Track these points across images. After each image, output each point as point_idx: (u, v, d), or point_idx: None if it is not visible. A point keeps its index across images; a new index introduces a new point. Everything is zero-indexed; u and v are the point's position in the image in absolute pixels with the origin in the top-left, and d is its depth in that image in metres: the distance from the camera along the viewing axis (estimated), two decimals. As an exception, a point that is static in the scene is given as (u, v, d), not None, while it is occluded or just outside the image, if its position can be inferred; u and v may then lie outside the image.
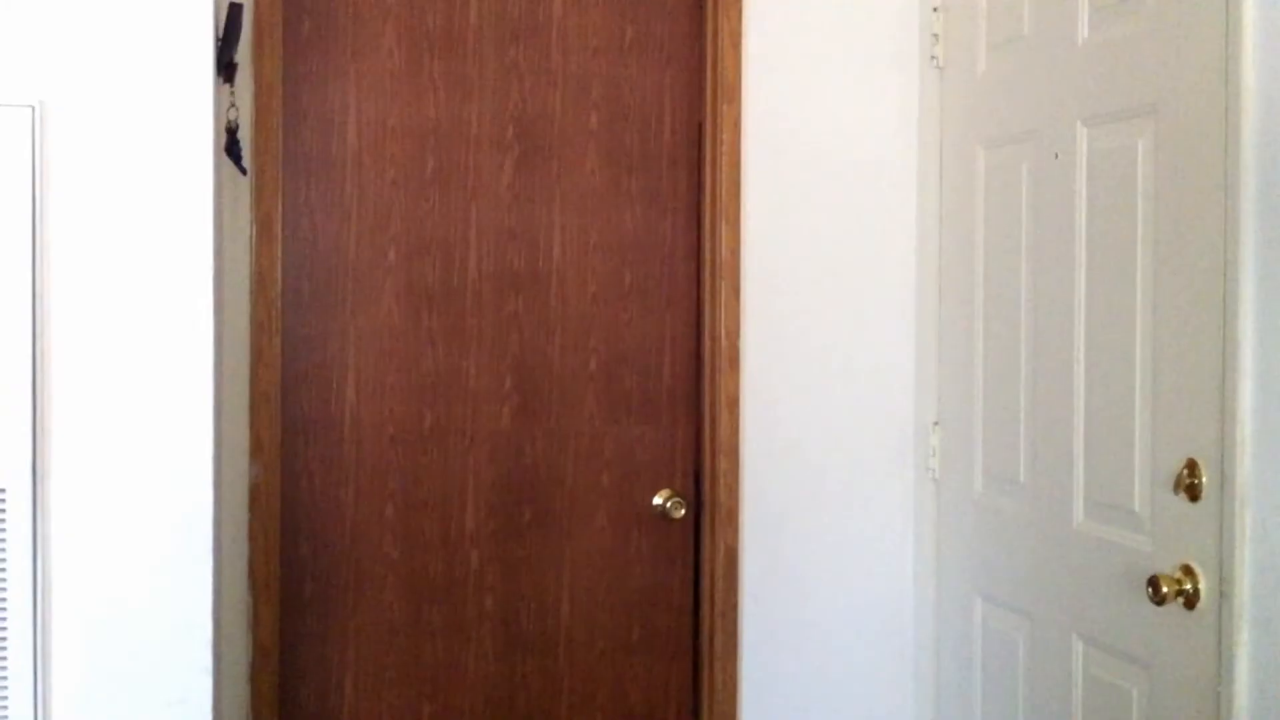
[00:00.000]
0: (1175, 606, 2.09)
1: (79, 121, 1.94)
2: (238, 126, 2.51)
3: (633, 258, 2.96)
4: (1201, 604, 2.05)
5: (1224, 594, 2.00)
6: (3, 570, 1.92)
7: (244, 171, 2.60)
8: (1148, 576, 2.11)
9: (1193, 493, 2.06)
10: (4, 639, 1.92)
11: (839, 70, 2.96)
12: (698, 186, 2.99)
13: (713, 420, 2.93)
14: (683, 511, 2.97)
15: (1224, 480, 2.00)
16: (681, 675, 3.03)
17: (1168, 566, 2.11)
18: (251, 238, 2.68)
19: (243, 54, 2.54)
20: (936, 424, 2.91)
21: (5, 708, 1.92)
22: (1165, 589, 2.07)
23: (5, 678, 1.92)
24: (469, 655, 2.89)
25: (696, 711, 3.02)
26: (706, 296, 2.95)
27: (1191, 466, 2.07)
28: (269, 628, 2.72)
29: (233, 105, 2.49)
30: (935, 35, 2.91)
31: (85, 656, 1.96)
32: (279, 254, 2.71)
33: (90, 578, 1.96)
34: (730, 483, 2.92)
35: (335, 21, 2.78)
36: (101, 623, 1.97)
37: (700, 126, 2.98)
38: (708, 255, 2.94)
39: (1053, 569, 2.48)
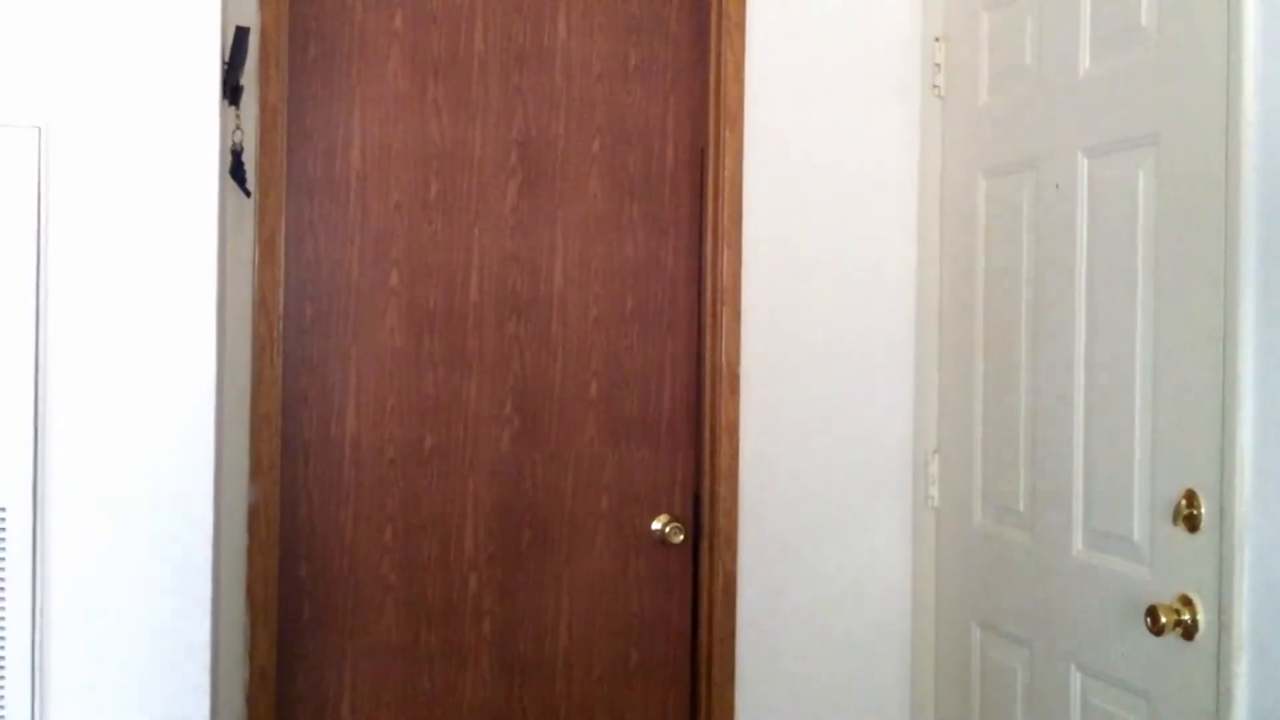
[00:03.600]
0: (1174, 637, 2.08)
1: (85, 143, 1.95)
2: (242, 149, 2.52)
3: (634, 282, 2.97)
4: (1200, 634, 2.04)
5: (1223, 625, 2.00)
6: (1, 589, 1.92)
7: (248, 193, 2.61)
8: (1146, 606, 2.10)
9: (1191, 523, 2.06)
10: (2, 657, 1.92)
11: (841, 98, 2.98)
12: (699, 212, 3.00)
13: (712, 446, 2.93)
14: (681, 537, 2.97)
15: (1223, 511, 2.00)
16: (679, 701, 3.02)
17: (1166, 596, 2.11)
18: (254, 259, 2.68)
19: (248, 77, 2.56)
20: (936, 452, 2.91)
21: (2, 728, 1.92)
22: (1164, 619, 2.07)
23: (3, 697, 1.92)
24: (466, 679, 2.89)
25: (694, 738, 3.02)
26: (707, 322, 2.96)
27: (1190, 497, 2.07)
28: (267, 650, 2.72)
29: (238, 128, 2.50)
30: (937, 64, 2.92)
31: (83, 677, 1.96)
32: (281, 276, 2.72)
33: (89, 597, 1.96)
34: (729, 508, 2.92)
35: (340, 45, 2.79)
36: (100, 643, 1.96)
37: (702, 152, 2.99)
38: (709, 280, 2.95)
39: (1051, 598, 2.48)
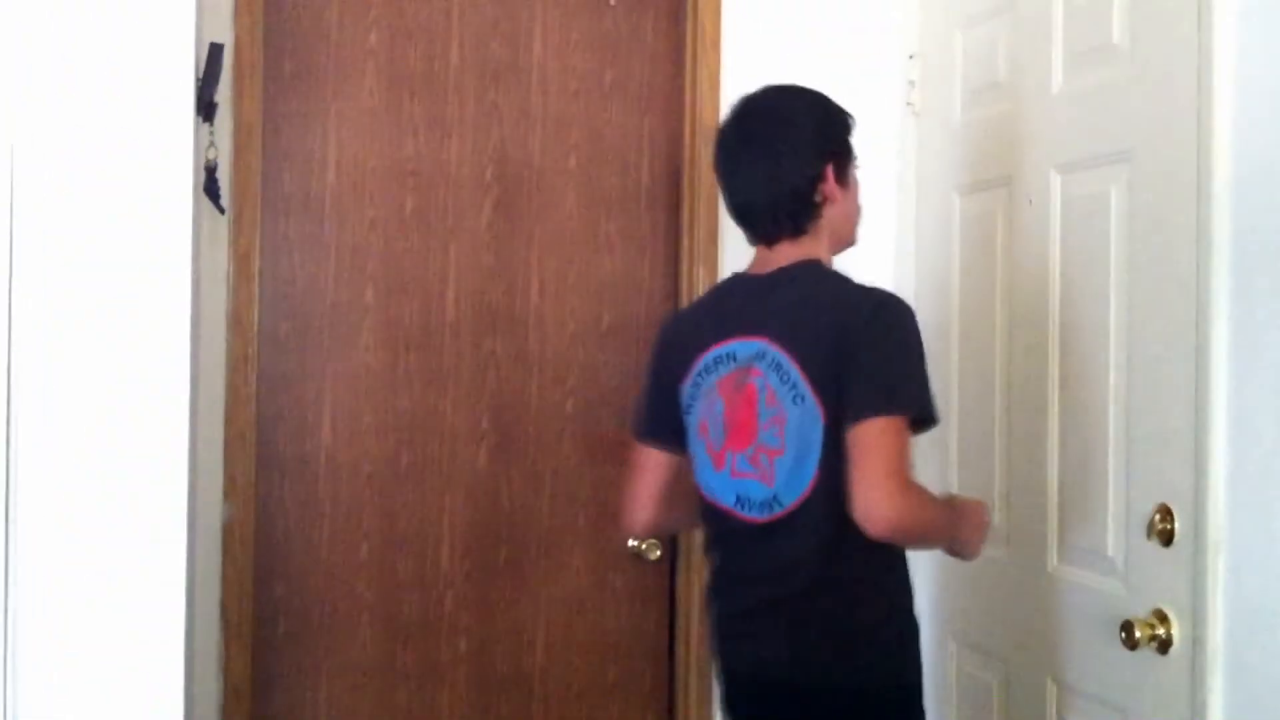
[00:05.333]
0: (1149, 651, 2.09)
1: (57, 160, 1.94)
2: (216, 165, 2.51)
3: (611, 299, 2.97)
4: (1175, 649, 2.05)
5: (1197, 639, 2.00)
6: (-29, 609, 1.90)
7: (222, 210, 2.60)
8: (1121, 621, 2.11)
9: (1166, 538, 2.07)
10: (-29, 679, 1.90)
11: (816, 115, 2.98)
12: (676, 228, 3.00)
13: (689, 462, 2.93)
14: (659, 553, 2.96)
15: (1197, 525, 2.01)
16: (657, 718, 3.01)
17: (1141, 611, 2.11)
18: (229, 276, 2.67)
19: (223, 93, 2.55)
20: (911, 467, 2.91)
21: (-29, 749, 1.90)
22: (1139, 634, 2.07)
23: (-28, 718, 1.90)
24: (443, 697, 2.87)
25: (671, 755, 3.01)
26: (684, 338, 2.95)
27: (1164, 512, 2.07)
28: (241, 669, 2.70)
29: (212, 144, 2.50)
30: (911, 82, 2.94)
31: (53, 697, 1.94)
32: (256, 293, 2.71)
33: (59, 616, 1.94)
34: (706, 525, 2.91)
35: (316, 61, 2.79)
36: (70, 662, 1.95)
37: (678, 169, 3.00)
38: (685, 297, 2.95)
39: (1027, 613, 2.48)
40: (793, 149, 2.16)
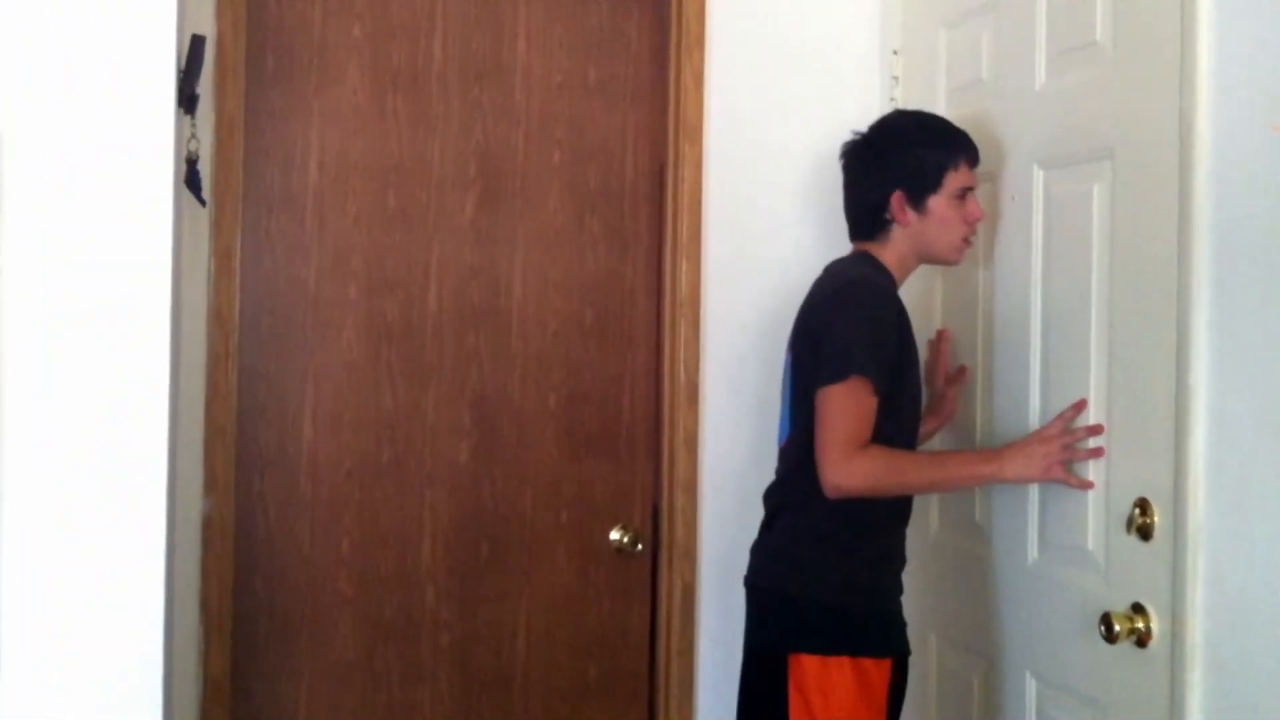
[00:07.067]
0: (1128, 645, 2.09)
1: (38, 152, 1.93)
2: (198, 158, 2.50)
3: (594, 295, 2.97)
4: (1154, 643, 2.05)
5: (1175, 633, 2.01)
6: (-51, 602, 1.89)
7: (203, 203, 2.59)
8: (1101, 615, 2.12)
9: (1145, 532, 2.08)
10: (-51, 672, 1.89)
11: (800, 112, 2.99)
12: (659, 225, 3.00)
13: (671, 457, 2.93)
14: (640, 549, 2.96)
15: (1176, 520, 2.01)
16: (639, 714, 3.01)
17: (1121, 605, 2.12)
18: (210, 270, 2.66)
19: (204, 86, 2.54)
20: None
21: (-52, 742, 1.89)
22: (1118, 627, 2.08)
23: (-51, 711, 1.89)
24: (424, 694, 2.87)
25: (653, 751, 3.01)
26: (667, 334, 2.96)
27: (1143, 506, 2.08)
28: (221, 665, 2.69)
29: (193, 137, 2.49)
30: (895, 78, 2.94)
31: (32, 694, 1.93)
32: (237, 287, 2.70)
33: (39, 613, 1.93)
34: (688, 520, 2.91)
35: (299, 56, 2.78)
36: (49, 657, 1.94)
37: (662, 166, 3.00)
38: (668, 293, 2.95)
39: (1007, 608, 2.49)
40: (866, 172, 2.47)
